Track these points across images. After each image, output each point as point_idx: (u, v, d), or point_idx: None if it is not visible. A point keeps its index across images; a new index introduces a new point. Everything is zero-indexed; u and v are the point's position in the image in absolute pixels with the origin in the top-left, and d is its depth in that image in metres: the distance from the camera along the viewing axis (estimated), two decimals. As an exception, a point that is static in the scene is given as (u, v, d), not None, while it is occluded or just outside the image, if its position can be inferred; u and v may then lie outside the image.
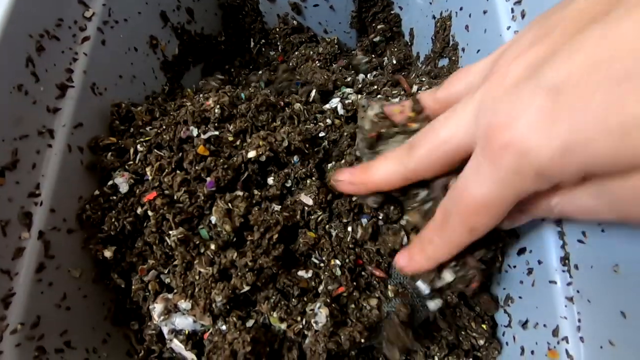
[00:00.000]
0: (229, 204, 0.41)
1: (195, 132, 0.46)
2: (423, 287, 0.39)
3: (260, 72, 0.76)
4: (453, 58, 0.62)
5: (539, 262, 0.38)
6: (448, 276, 0.37)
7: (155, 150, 0.46)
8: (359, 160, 0.44)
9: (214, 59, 0.77)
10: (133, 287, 0.42)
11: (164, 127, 0.47)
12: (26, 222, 0.37)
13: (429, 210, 0.39)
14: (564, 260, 0.36)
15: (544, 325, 0.37)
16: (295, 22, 0.81)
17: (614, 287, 0.31)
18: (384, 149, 0.41)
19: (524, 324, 0.39)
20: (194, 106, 0.49)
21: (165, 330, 0.40)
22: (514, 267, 0.42)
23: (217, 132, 0.47)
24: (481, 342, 0.42)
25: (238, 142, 0.47)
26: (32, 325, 0.36)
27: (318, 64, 0.68)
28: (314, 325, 0.37)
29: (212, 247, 0.39)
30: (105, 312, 0.44)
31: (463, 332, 0.43)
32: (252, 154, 0.44)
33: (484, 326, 0.43)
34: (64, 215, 0.41)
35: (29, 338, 0.35)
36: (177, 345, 0.40)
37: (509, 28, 0.47)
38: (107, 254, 0.42)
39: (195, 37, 0.72)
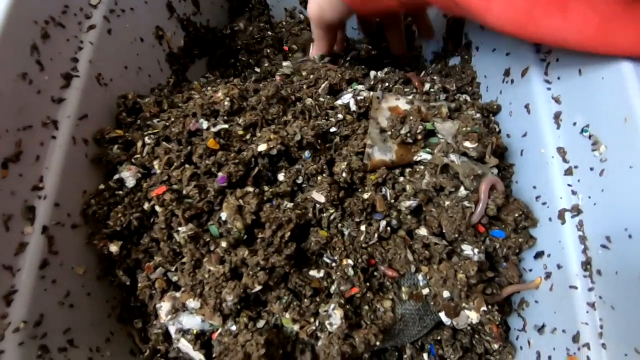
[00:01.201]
0: (240, 200, 0.40)
1: (205, 125, 0.44)
2: (445, 319, 0.39)
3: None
4: (466, 57, 0.61)
5: (558, 267, 0.37)
6: (474, 317, 0.38)
7: (164, 143, 0.44)
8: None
9: (219, 52, 0.75)
10: (139, 284, 0.41)
11: (173, 119, 0.46)
12: (29, 216, 0.36)
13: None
14: (586, 265, 0.35)
15: (563, 331, 0.36)
16: (302, 15, 0.79)
17: (640, 294, 0.30)
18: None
19: (540, 329, 0.39)
20: (203, 99, 0.47)
21: (172, 329, 0.39)
22: (530, 270, 0.42)
23: (226, 125, 0.45)
24: (495, 345, 0.41)
25: (248, 136, 0.46)
26: (35, 324, 0.35)
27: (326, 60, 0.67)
28: (328, 327, 0.36)
29: (223, 244, 0.38)
30: (109, 310, 0.43)
31: (477, 336, 0.42)
32: (262, 147, 0.43)
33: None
34: (68, 209, 0.39)
35: (32, 337, 0.34)
36: (184, 344, 0.39)
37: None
38: (113, 248, 0.40)
39: (200, 29, 0.70)
